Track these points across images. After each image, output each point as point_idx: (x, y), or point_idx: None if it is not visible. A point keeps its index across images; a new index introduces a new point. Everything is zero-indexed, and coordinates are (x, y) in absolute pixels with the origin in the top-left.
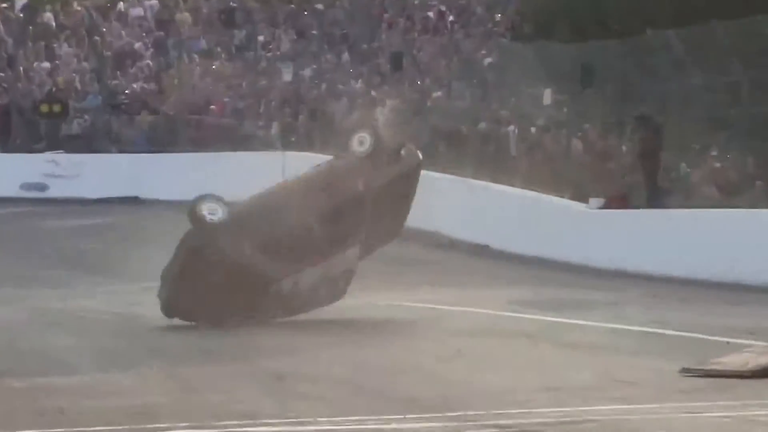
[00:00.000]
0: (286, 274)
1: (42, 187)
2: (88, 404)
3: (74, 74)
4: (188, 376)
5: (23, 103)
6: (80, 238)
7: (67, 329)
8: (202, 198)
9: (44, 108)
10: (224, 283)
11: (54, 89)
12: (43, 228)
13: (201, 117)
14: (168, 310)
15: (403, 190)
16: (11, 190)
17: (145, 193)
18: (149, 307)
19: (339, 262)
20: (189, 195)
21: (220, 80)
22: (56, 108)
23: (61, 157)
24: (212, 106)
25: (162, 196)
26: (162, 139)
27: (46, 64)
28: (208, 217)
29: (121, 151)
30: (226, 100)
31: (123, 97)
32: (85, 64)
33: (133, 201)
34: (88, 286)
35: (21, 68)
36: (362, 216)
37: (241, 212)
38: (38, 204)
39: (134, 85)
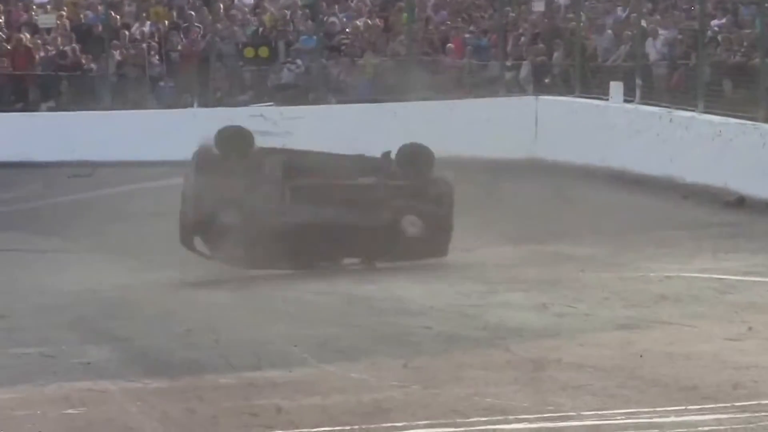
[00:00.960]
0: None
1: None
2: (310, 402)
3: (284, 11)
4: (428, 366)
5: (224, 47)
6: None
7: (282, 315)
8: None
9: (249, 53)
10: None
11: (260, 30)
12: None
13: (436, 58)
14: None
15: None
16: None
17: (371, 152)
18: (381, 286)
19: None
20: None
21: (458, 13)
22: (263, 52)
23: (270, 110)
24: (449, 45)
25: (391, 154)
26: (390, 86)
27: (250, 0)
28: None
29: (341, 102)
30: (466, 36)
31: (342, 36)
32: None
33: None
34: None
35: (220, 5)
36: None
37: None
38: None
39: (356, 22)
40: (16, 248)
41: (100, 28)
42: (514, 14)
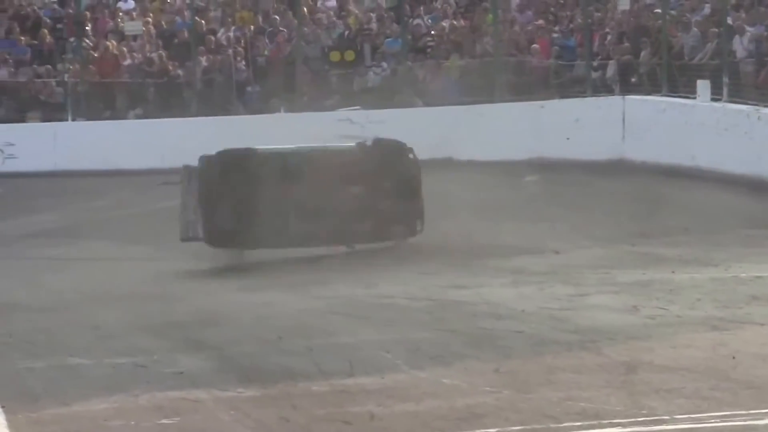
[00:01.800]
0: None
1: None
2: (402, 408)
3: (369, 13)
4: (520, 370)
5: (310, 51)
6: None
7: (374, 320)
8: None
9: (335, 56)
10: None
11: (345, 33)
12: None
13: (522, 59)
14: None
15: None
16: None
17: (458, 154)
18: (473, 290)
19: None
20: (509, 154)
21: (543, 13)
22: (349, 56)
23: (356, 114)
24: (535, 45)
25: (478, 156)
26: (476, 87)
27: (333, 2)
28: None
29: (427, 104)
30: (555, 36)
31: (428, 38)
32: (380, 0)
33: (445, 163)
34: (393, 268)
35: (304, 9)
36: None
37: None
38: None
39: (442, 24)
40: (107, 257)
41: (186, 34)
42: (599, 13)
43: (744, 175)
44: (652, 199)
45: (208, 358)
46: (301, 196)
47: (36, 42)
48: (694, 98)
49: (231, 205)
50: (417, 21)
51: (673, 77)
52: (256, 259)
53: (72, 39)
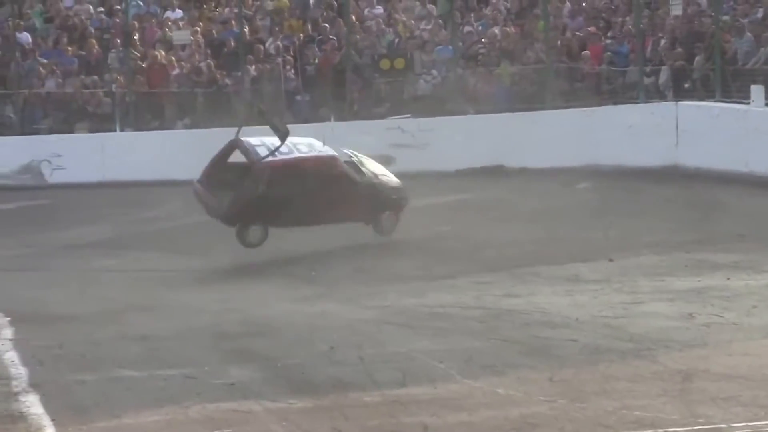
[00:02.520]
0: None
1: (387, 160)
2: (456, 418)
3: (417, 21)
4: (574, 379)
5: (359, 59)
6: (434, 219)
7: (425, 330)
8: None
9: (385, 64)
10: None
11: (395, 41)
12: None
13: (574, 65)
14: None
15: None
16: None
17: (510, 161)
18: (526, 299)
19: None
20: (561, 161)
21: (594, 19)
22: (399, 63)
23: (407, 122)
24: (586, 52)
25: (530, 164)
26: (528, 94)
27: (381, 10)
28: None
29: (478, 112)
30: (607, 42)
31: (479, 46)
32: (430, 7)
33: (497, 171)
34: (446, 278)
35: (353, 17)
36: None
37: None
38: None
39: (493, 31)
40: (157, 268)
41: (231, 43)
42: (651, 19)
43: None
44: (706, 206)
45: (259, 369)
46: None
47: (83, 52)
48: (748, 103)
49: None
50: (468, 28)
51: (727, 82)
52: (316, 274)
53: (119, 49)
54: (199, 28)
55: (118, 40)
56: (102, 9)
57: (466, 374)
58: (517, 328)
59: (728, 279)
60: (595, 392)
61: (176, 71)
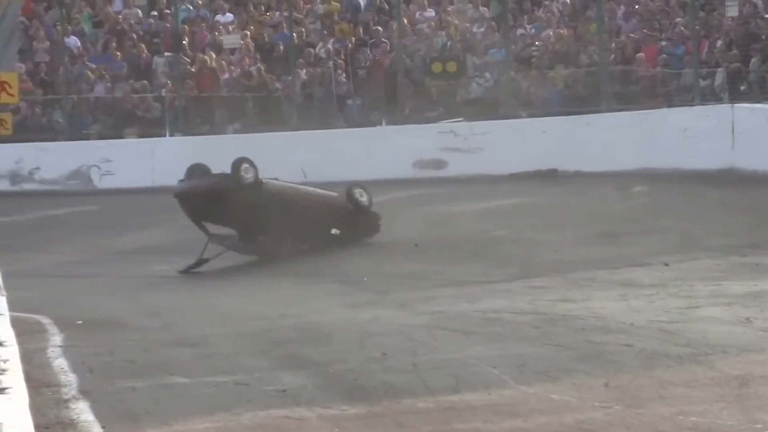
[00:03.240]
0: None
1: (439, 164)
2: (511, 425)
3: (470, 24)
4: (630, 384)
5: (410, 62)
6: (487, 223)
7: (479, 335)
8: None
9: (436, 67)
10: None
11: (447, 44)
12: (442, 213)
13: (628, 68)
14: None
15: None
16: (402, 170)
17: (564, 165)
18: (581, 304)
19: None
20: (616, 164)
21: (648, 21)
22: (451, 67)
23: (460, 126)
24: (640, 54)
25: (585, 167)
26: (582, 97)
27: (432, 13)
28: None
29: (532, 115)
30: (662, 43)
31: (532, 48)
32: (483, 9)
33: (551, 175)
34: (500, 283)
35: (405, 20)
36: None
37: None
38: (435, 184)
39: (547, 32)
40: (207, 274)
41: (281, 47)
42: (707, 20)
43: None
44: (762, 209)
45: (311, 375)
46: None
47: (132, 57)
48: None
49: None
50: (520, 30)
51: None
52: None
53: (169, 53)
54: (249, 32)
55: (168, 45)
56: (155, 13)
57: (520, 380)
58: (572, 333)
59: None
60: (651, 398)
61: (226, 75)
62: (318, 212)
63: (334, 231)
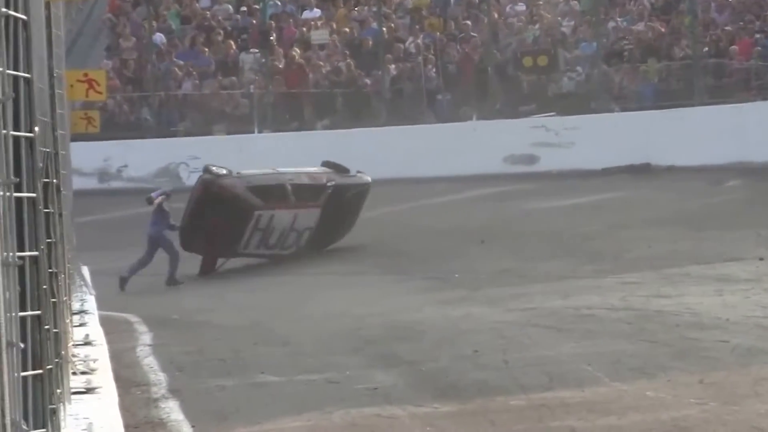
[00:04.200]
0: (263, 208)
1: (530, 159)
2: (605, 422)
3: (560, 18)
4: (725, 381)
5: (501, 57)
6: (579, 219)
7: (572, 332)
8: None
9: (527, 62)
10: (221, 215)
11: (538, 38)
12: (534, 209)
13: (722, 61)
14: (184, 243)
15: (354, 201)
16: (493, 165)
17: (657, 159)
18: (675, 299)
19: (303, 219)
20: (710, 158)
21: (741, 13)
22: (541, 60)
23: (551, 120)
24: (734, 46)
25: (678, 162)
26: (674, 91)
27: (522, 6)
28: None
29: (624, 109)
30: (757, 36)
31: (624, 42)
32: (573, 3)
33: (644, 169)
34: (593, 279)
35: (495, 14)
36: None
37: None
38: (526, 180)
39: (638, 26)
40: (299, 272)
41: (370, 43)
42: None
43: None
44: None
45: (402, 373)
46: None
47: (220, 53)
48: None
49: None
50: (612, 24)
51: None
52: (463, 275)
53: (256, 50)
54: (337, 27)
55: (255, 41)
56: (244, 9)
57: (614, 377)
58: (666, 329)
59: None
60: (747, 394)
61: (315, 72)
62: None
63: None
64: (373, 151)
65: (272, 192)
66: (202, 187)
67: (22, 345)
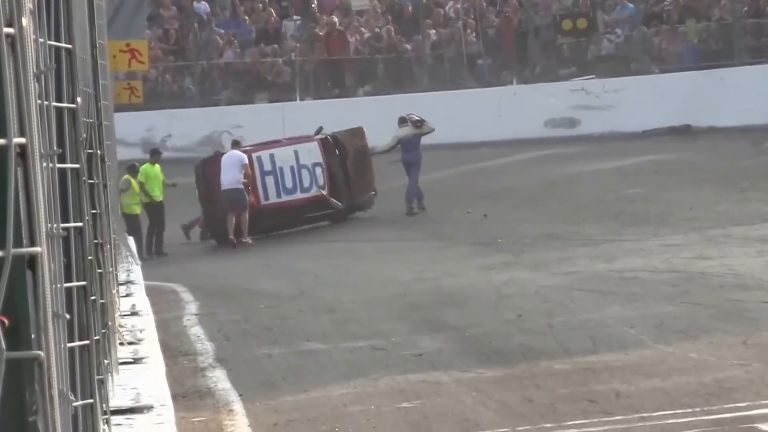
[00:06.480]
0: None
1: (571, 123)
2: (649, 385)
3: None
4: None
5: (540, 21)
6: (622, 182)
7: (616, 295)
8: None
9: (567, 25)
10: None
11: (577, 0)
12: (576, 173)
13: (761, 20)
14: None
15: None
16: (534, 129)
17: (698, 121)
18: (718, 261)
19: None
20: (751, 119)
21: None
22: (581, 24)
23: (592, 83)
24: None
25: (718, 123)
26: (714, 51)
27: None
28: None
29: (664, 71)
30: None
31: (664, 3)
32: None
33: (685, 131)
34: (636, 241)
35: None
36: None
37: None
38: (567, 143)
39: None
40: (345, 239)
41: (409, 8)
42: None
43: None
44: None
45: (447, 339)
46: None
47: (261, 21)
48: None
49: None
50: None
51: None
52: (509, 241)
53: (297, 17)
54: None
55: (296, 8)
56: None
57: (658, 339)
58: (710, 291)
59: None
60: None
61: (355, 38)
62: None
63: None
64: None
65: None
66: None
67: (68, 316)
